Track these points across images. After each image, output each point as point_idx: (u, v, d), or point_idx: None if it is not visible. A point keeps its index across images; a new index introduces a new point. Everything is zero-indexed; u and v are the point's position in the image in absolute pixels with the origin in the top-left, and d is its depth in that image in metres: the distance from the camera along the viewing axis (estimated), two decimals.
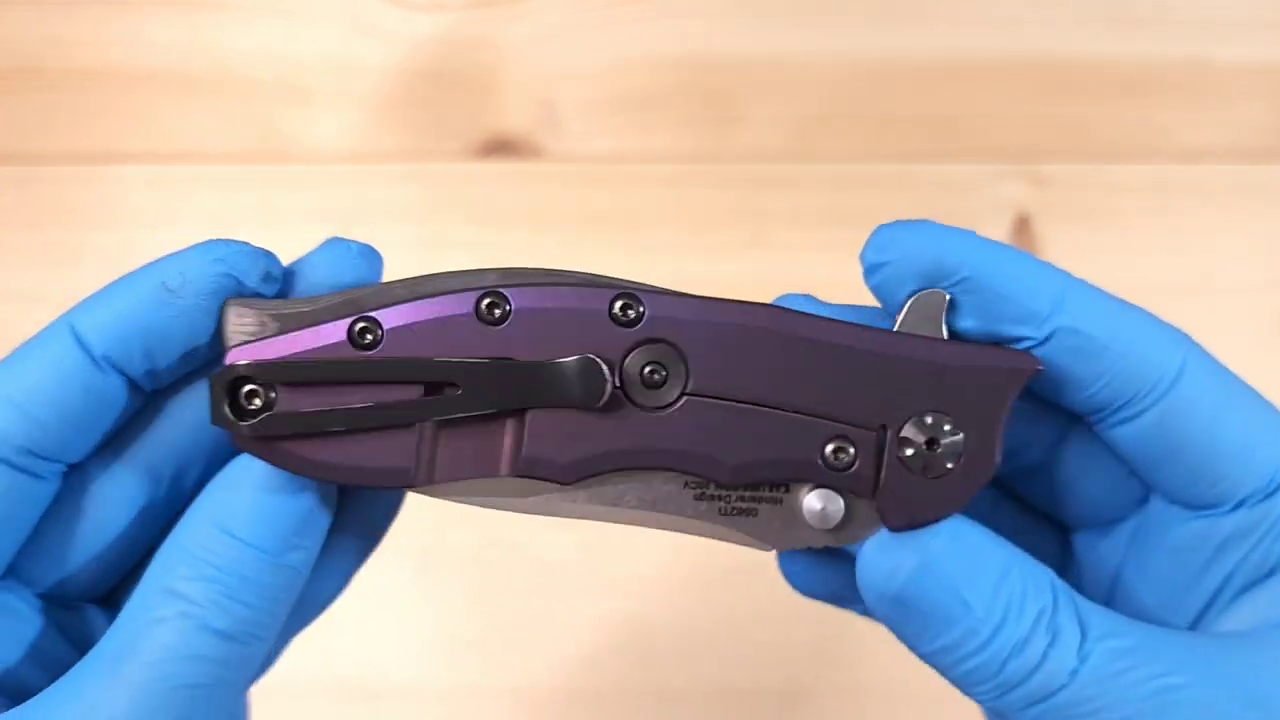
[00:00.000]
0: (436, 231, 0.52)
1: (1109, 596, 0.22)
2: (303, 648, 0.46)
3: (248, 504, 0.20)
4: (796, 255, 0.51)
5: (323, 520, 0.21)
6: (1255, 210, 0.53)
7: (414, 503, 0.48)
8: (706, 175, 0.53)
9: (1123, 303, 0.21)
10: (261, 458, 0.20)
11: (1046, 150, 0.54)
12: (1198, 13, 0.56)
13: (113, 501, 0.22)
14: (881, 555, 0.19)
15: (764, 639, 0.47)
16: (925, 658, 0.20)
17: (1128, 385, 0.20)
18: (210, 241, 0.22)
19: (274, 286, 0.22)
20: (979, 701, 0.20)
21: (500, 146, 0.53)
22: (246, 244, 0.22)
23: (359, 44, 0.55)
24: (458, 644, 0.46)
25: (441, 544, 0.47)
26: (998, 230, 0.52)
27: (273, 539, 0.20)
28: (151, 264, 0.21)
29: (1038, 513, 0.24)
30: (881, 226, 0.22)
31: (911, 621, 0.19)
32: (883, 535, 0.20)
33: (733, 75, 0.55)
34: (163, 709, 0.18)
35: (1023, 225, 0.52)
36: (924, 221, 0.22)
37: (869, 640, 0.47)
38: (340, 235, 0.24)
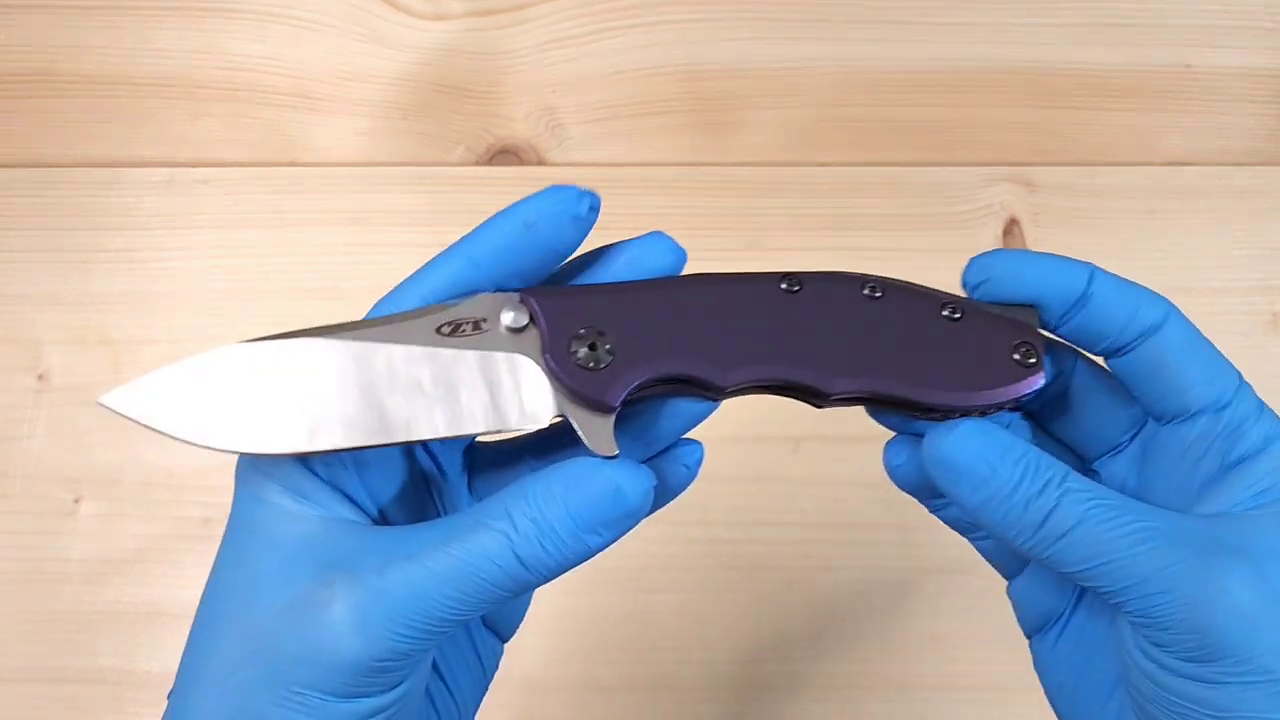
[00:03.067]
0: (441, 235, 0.51)
1: None
2: None
3: (589, 494, 0.27)
4: (793, 257, 0.52)
5: (626, 525, 0.28)
6: (1241, 213, 0.53)
7: None
8: (705, 180, 0.53)
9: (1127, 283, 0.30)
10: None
11: (1036, 155, 0.54)
12: (1184, 19, 0.57)
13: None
14: (935, 434, 0.28)
15: (764, 632, 0.47)
16: (974, 512, 0.27)
17: (1130, 330, 0.29)
18: (552, 187, 0.29)
19: (594, 218, 0.30)
20: (1020, 547, 0.27)
21: (504, 153, 0.54)
22: (574, 188, 0.29)
23: (366, 52, 0.55)
24: None
25: None
26: (988, 233, 0.53)
27: (588, 520, 0.27)
28: (512, 208, 0.29)
29: (1070, 450, 0.32)
30: (979, 255, 0.29)
31: (960, 482, 0.27)
32: (939, 426, 0.28)
33: (730, 83, 0.55)
34: (455, 582, 0.25)
35: (1012, 228, 0.53)
36: (1021, 252, 0.30)
37: (867, 635, 0.47)
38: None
